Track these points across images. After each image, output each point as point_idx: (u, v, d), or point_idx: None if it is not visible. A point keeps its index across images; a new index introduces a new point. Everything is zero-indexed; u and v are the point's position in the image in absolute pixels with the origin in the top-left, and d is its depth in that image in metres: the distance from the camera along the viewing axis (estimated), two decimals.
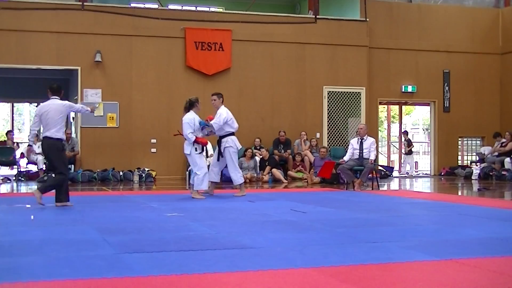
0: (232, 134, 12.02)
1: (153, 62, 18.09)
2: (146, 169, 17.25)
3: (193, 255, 5.44)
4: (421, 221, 8.42)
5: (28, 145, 10.44)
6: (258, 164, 17.11)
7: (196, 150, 11.51)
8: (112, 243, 5.98)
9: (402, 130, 22.89)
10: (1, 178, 16.07)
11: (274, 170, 16.98)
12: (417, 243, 6.11)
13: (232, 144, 11.93)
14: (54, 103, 9.78)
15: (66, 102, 10.06)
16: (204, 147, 11.79)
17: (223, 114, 11.78)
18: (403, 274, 4.80)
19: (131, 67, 17.88)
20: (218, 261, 5.18)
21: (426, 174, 21.74)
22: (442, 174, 20.43)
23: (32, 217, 8.08)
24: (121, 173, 16.88)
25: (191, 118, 11.55)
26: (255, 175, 16.80)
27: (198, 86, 18.11)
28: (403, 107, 23.64)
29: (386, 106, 24.84)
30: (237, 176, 12.02)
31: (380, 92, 20.41)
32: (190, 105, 11.69)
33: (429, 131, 23.17)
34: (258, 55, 18.98)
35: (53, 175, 9.97)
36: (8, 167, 17.77)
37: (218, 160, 12.04)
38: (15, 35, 17.09)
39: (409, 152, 21.50)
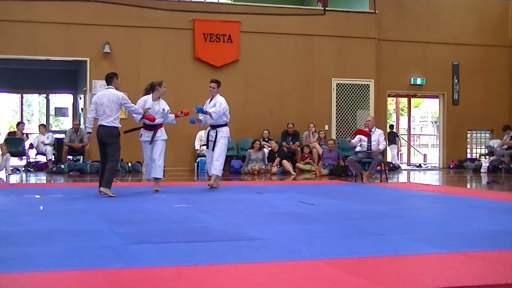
0: (226, 124, 11.73)
1: (161, 53, 18.09)
2: None
3: (200, 246, 5.46)
4: (429, 213, 8.40)
5: (88, 132, 10.57)
6: (266, 156, 17.09)
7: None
8: (120, 234, 6.00)
9: (388, 124, 22.82)
10: (11, 168, 16.12)
11: (284, 161, 16.95)
12: (425, 236, 6.11)
13: (228, 134, 11.68)
14: (109, 93, 10.07)
15: (121, 94, 10.14)
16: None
17: (223, 103, 11.43)
18: (411, 266, 4.80)
19: (139, 58, 17.88)
20: (225, 252, 5.19)
21: (434, 167, 21.69)
22: (451, 167, 20.38)
23: (41, 207, 8.10)
24: (129, 164, 16.89)
25: (144, 99, 10.94)
26: (263, 167, 16.79)
27: (205, 78, 17.96)
28: (412, 99, 23.58)
29: (394, 98, 24.80)
30: (221, 167, 11.51)
31: (388, 84, 20.35)
32: (151, 88, 11.10)
33: (437, 123, 23.12)
34: (266, 46, 18.95)
35: (108, 165, 10.04)
36: (18, 158, 17.83)
37: (213, 149, 11.55)
38: (24, 26, 17.10)
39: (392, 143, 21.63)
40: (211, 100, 11.63)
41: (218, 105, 11.38)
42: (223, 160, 11.67)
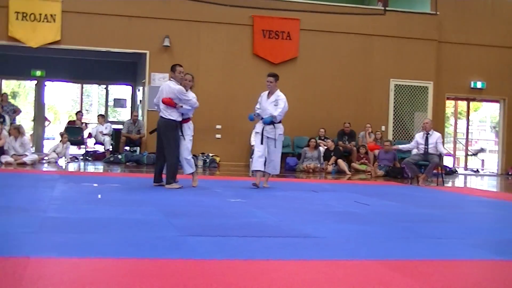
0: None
1: (220, 48, 18.17)
2: (210, 155, 17.35)
3: (256, 241, 5.48)
4: (487, 219, 8.28)
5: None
6: (322, 154, 17.03)
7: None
8: (177, 226, 6.06)
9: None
10: (70, 157, 16.42)
11: (339, 160, 16.88)
12: (483, 242, 6.03)
13: (283, 131, 11.09)
14: (168, 85, 10.22)
15: (178, 87, 10.08)
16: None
17: (285, 101, 10.85)
18: (468, 271, 4.75)
19: (198, 53, 18.00)
20: (281, 248, 5.20)
21: (492, 172, 21.34)
22: (510, 173, 20.02)
23: (99, 196, 8.23)
24: None
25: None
26: (318, 165, 16.74)
27: (263, 74, 17.90)
28: (471, 103, 23.23)
29: (453, 101, 24.47)
30: (278, 166, 11.13)
31: (448, 87, 20.07)
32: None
33: (496, 129, 22.72)
34: (325, 45, 18.88)
35: (167, 162, 10.21)
36: (76, 147, 18.13)
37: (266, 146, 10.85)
38: (86, 17, 17.36)
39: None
40: (269, 94, 10.98)
41: (281, 104, 10.79)
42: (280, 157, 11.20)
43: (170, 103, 9.96)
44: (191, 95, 10.33)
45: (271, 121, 10.74)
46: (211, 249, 5.01)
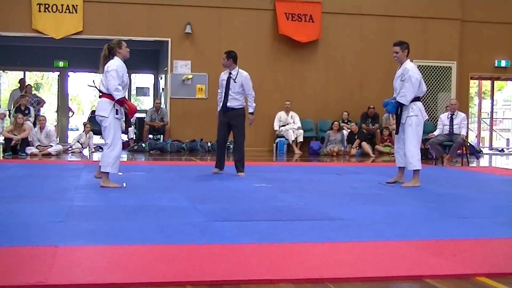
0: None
1: (242, 34, 18.12)
2: None
3: (282, 224, 5.49)
4: None
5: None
6: (345, 137, 16.98)
7: (117, 114, 8.09)
8: (203, 211, 6.08)
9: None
10: (94, 146, 16.51)
11: (364, 143, 16.81)
12: (510, 220, 5.99)
13: (417, 112, 8.89)
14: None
15: (245, 73, 10.37)
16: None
17: (415, 74, 8.79)
18: (496, 249, 4.72)
19: (220, 39, 17.97)
20: (307, 231, 5.21)
21: None
22: None
23: (124, 184, 8.27)
24: (209, 144, 17.02)
25: (120, 65, 8.22)
26: (342, 148, 16.69)
27: (286, 59, 18.12)
28: (495, 82, 23.00)
29: (477, 81, 24.25)
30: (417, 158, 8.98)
31: (471, 66, 19.88)
32: (109, 51, 8.44)
33: None
34: (347, 27, 18.77)
35: (237, 150, 10.43)
36: (100, 136, 18.21)
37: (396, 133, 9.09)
38: (108, 6, 17.41)
39: None
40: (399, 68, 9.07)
41: (407, 83, 8.72)
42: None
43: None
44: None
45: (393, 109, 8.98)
46: (238, 233, 5.03)
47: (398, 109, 8.87)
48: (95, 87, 8.48)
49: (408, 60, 8.96)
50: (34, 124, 15.67)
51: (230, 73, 10.30)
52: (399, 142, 9.04)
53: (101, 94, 8.27)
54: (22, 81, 19.81)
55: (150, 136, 17.81)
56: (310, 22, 18.23)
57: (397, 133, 9.04)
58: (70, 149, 15.97)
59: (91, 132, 16.45)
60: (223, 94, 10.20)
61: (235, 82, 10.18)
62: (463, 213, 6.40)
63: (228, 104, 10.13)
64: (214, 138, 17.07)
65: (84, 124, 16.78)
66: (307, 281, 3.74)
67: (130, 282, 3.61)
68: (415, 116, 8.80)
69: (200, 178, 9.69)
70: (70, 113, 23.15)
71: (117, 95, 7.95)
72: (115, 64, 8.15)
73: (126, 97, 8.28)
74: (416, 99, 8.88)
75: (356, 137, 16.96)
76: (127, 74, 8.44)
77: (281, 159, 15.04)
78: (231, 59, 10.32)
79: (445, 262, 4.17)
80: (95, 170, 9.06)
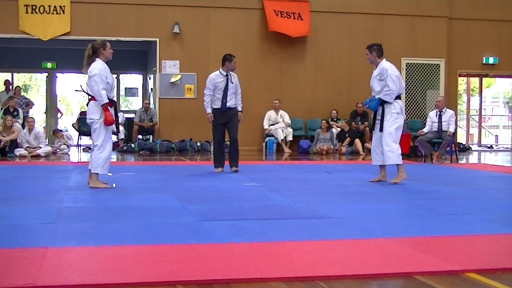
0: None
1: (230, 33, 18.11)
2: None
3: (272, 224, 5.51)
4: (502, 194, 8.24)
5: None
6: (335, 136, 16.99)
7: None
8: (192, 211, 6.09)
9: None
10: (83, 147, 16.48)
11: (356, 140, 16.80)
12: (499, 217, 6.02)
13: (398, 110, 8.92)
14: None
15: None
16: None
17: (394, 73, 8.82)
18: (485, 246, 4.74)
19: (208, 38, 17.96)
20: (297, 230, 5.22)
21: (506, 148, 21.24)
22: None
23: (114, 185, 8.26)
24: (198, 144, 17.00)
25: (102, 69, 8.21)
26: (332, 146, 16.70)
27: (274, 58, 18.12)
28: (483, 79, 23.08)
29: (465, 78, 24.33)
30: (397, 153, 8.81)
31: (459, 64, 19.93)
32: (93, 51, 8.43)
33: (509, 104, 22.59)
34: (335, 26, 18.78)
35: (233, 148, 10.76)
36: (89, 137, 18.17)
37: (380, 130, 8.97)
38: (95, 7, 17.36)
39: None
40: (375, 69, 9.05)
41: (389, 82, 8.73)
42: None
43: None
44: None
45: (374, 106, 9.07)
46: (227, 233, 5.04)
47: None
48: (83, 90, 8.57)
49: (384, 59, 8.99)
50: (23, 125, 15.64)
51: (227, 75, 10.59)
52: (376, 141, 9.13)
53: (90, 97, 8.26)
54: (7, 82, 19.63)
55: (140, 136, 17.79)
56: (299, 19, 18.22)
57: (373, 129, 9.23)
58: (58, 150, 15.91)
59: (62, 139, 16.43)
60: (222, 95, 10.51)
61: (232, 83, 10.63)
62: (452, 210, 6.43)
63: (228, 104, 10.52)
64: (203, 137, 17.20)
65: (73, 126, 16.72)
66: (298, 279, 3.75)
67: (120, 283, 3.61)
68: (397, 113, 8.90)
69: (189, 178, 9.69)
70: (59, 115, 23.07)
71: (101, 101, 8.00)
72: (97, 68, 8.17)
73: (115, 98, 8.28)
74: (397, 97, 8.96)
75: (347, 135, 16.98)
76: (111, 74, 8.46)
77: (271, 158, 15.05)
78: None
79: (435, 259, 4.18)
80: (84, 171, 9.03)
